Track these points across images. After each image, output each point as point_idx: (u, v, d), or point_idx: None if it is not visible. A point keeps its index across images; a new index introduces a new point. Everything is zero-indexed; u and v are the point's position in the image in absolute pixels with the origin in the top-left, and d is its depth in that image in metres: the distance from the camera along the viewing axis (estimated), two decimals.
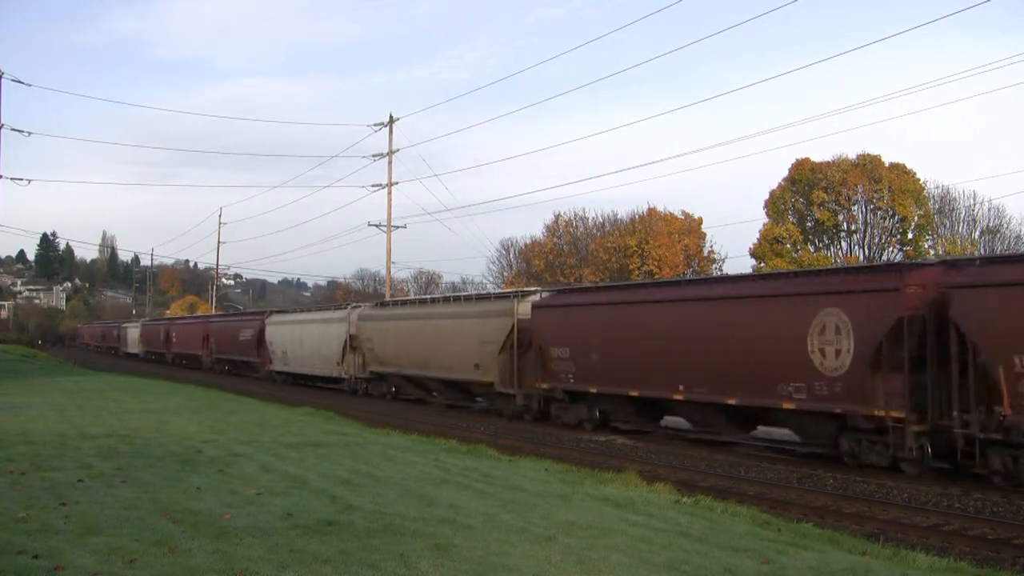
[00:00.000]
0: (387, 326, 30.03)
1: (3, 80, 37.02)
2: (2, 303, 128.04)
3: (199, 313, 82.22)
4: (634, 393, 19.03)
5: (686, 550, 7.43)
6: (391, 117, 42.94)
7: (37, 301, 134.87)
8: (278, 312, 43.95)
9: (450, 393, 27.67)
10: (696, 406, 17.94)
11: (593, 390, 20.39)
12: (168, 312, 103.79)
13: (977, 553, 9.83)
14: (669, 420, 20.48)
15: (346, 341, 32.59)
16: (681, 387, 17.66)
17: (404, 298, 36.94)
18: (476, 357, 24.24)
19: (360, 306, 34.22)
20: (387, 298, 45.07)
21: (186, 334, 57.48)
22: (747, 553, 7.50)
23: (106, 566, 6.06)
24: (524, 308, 23.11)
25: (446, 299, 29.35)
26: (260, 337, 42.36)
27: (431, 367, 27.06)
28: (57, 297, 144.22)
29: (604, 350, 19.93)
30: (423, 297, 32.54)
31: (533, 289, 26.49)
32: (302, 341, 37.05)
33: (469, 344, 24.60)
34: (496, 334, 23.63)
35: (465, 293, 33.08)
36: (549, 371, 21.65)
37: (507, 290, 33.37)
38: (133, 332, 72.69)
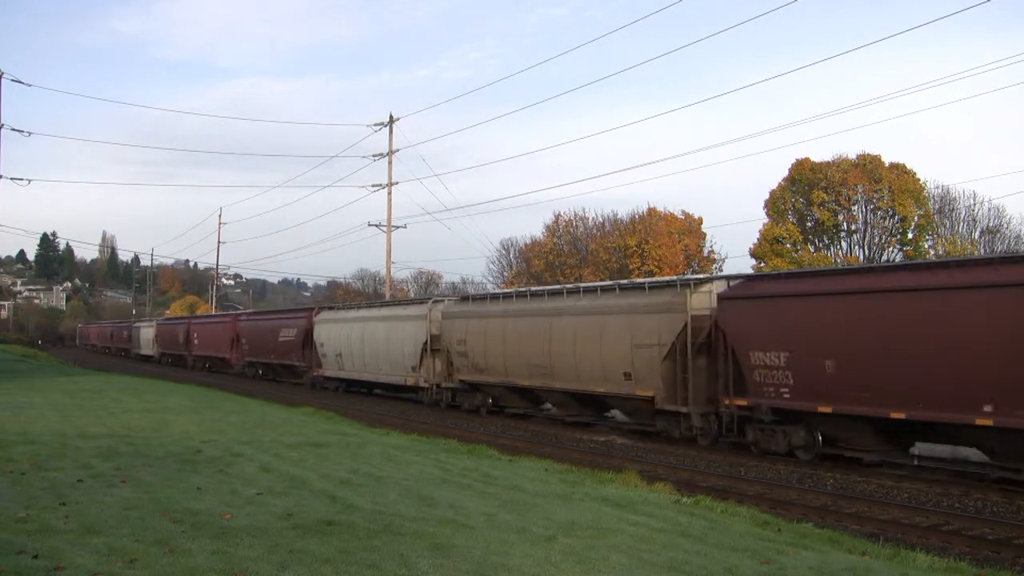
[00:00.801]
0: (485, 325, 24.61)
1: (3, 80, 36.99)
2: (2, 303, 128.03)
3: (209, 313, 77.70)
4: (898, 415, 13.96)
5: (686, 550, 7.43)
6: (391, 117, 42.96)
7: (37, 301, 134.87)
8: (330, 308, 37.96)
9: (575, 407, 22.48)
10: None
11: (823, 409, 15.15)
12: (168, 312, 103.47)
13: (977, 553, 9.83)
14: (938, 449, 16.04)
15: (425, 342, 27.22)
16: (989, 407, 12.62)
17: (509, 290, 28.90)
18: (625, 364, 19.37)
19: (444, 299, 28.60)
20: (448, 294, 42.63)
21: (211, 334, 51.37)
22: (747, 553, 7.50)
23: (106, 566, 6.06)
24: (700, 300, 18.28)
25: (575, 290, 22.38)
26: (306, 337, 36.84)
27: (554, 376, 21.65)
28: (57, 297, 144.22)
29: (848, 356, 14.75)
30: (538, 289, 25.17)
31: (707, 276, 22.09)
32: (364, 342, 31.38)
33: (616, 348, 19.66)
34: (658, 334, 18.60)
35: (605, 283, 25.45)
36: (750, 383, 16.55)
37: (671, 277, 26.77)
38: (147, 332, 67.52)
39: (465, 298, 27.81)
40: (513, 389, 24.01)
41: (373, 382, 31.98)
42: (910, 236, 46.40)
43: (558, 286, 25.53)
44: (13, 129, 40.51)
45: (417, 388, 28.24)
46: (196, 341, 54.03)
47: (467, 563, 6.52)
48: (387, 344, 29.65)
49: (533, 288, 26.97)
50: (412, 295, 66.78)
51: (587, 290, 21.89)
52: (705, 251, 53.93)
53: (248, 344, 44.29)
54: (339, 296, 75.92)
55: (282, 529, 7.40)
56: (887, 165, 46.31)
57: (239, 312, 54.01)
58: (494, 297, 26.20)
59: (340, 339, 33.48)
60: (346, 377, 33.44)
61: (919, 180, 46.18)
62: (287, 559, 6.39)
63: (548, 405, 24.13)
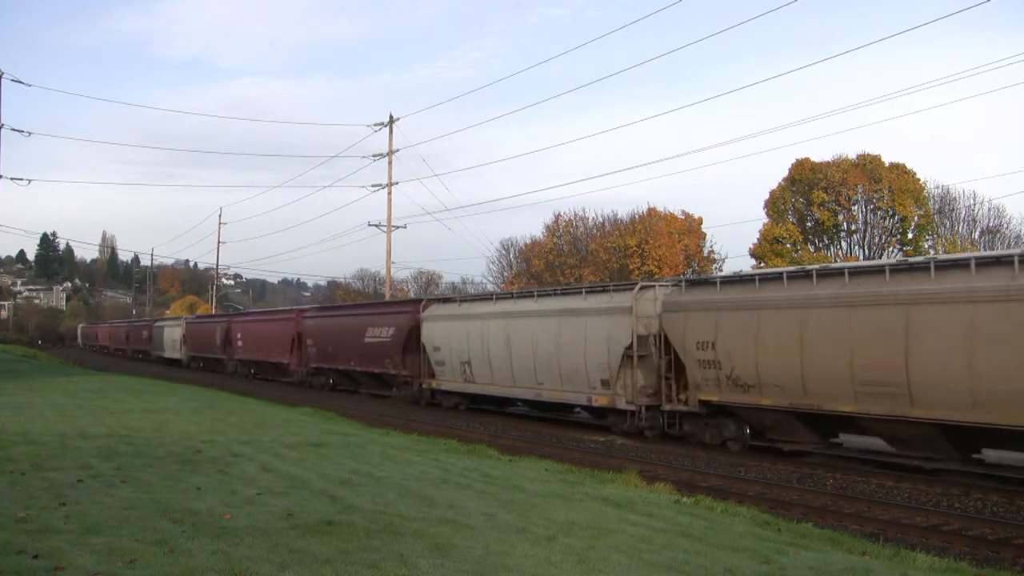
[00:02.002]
0: (758, 319, 16.20)
1: (3, 80, 37.01)
2: (2, 303, 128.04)
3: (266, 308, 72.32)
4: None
5: (686, 550, 7.43)
6: (391, 117, 42.99)
7: (37, 301, 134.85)
8: (446, 300, 28.88)
9: (925, 444, 14.38)
10: None
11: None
12: (168, 312, 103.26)
13: (977, 553, 9.82)
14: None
15: (631, 345, 19.06)
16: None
17: (806, 267, 16.80)
18: None
19: (655, 284, 19.89)
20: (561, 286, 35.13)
21: (262, 335, 42.67)
22: (747, 553, 7.50)
23: (106, 566, 6.06)
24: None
25: (922, 265, 14.08)
26: (408, 338, 28.32)
27: (913, 403, 13.67)
28: (57, 297, 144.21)
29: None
30: (846, 266, 15.67)
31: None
32: (510, 345, 23.13)
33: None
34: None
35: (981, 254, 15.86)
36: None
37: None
38: (172, 332, 59.11)
39: (701, 282, 18.57)
40: (794, 415, 16.06)
41: (529, 400, 23.69)
42: (910, 236, 46.40)
43: (892, 261, 15.28)
44: (13, 129, 40.60)
45: (610, 411, 20.15)
46: (240, 343, 45.43)
47: (467, 563, 6.52)
48: (555, 348, 21.35)
49: (837, 266, 16.11)
50: (412, 295, 66.42)
51: (939, 264, 13.81)
52: (705, 251, 53.95)
53: (316, 347, 35.77)
54: (339, 296, 75.64)
55: (282, 529, 7.40)
56: (887, 165, 46.31)
57: (304, 307, 42.66)
58: (769, 279, 16.54)
59: (467, 341, 24.92)
60: (478, 392, 25.23)
61: (919, 180, 46.20)
62: (287, 559, 6.39)
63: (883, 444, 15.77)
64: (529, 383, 22.61)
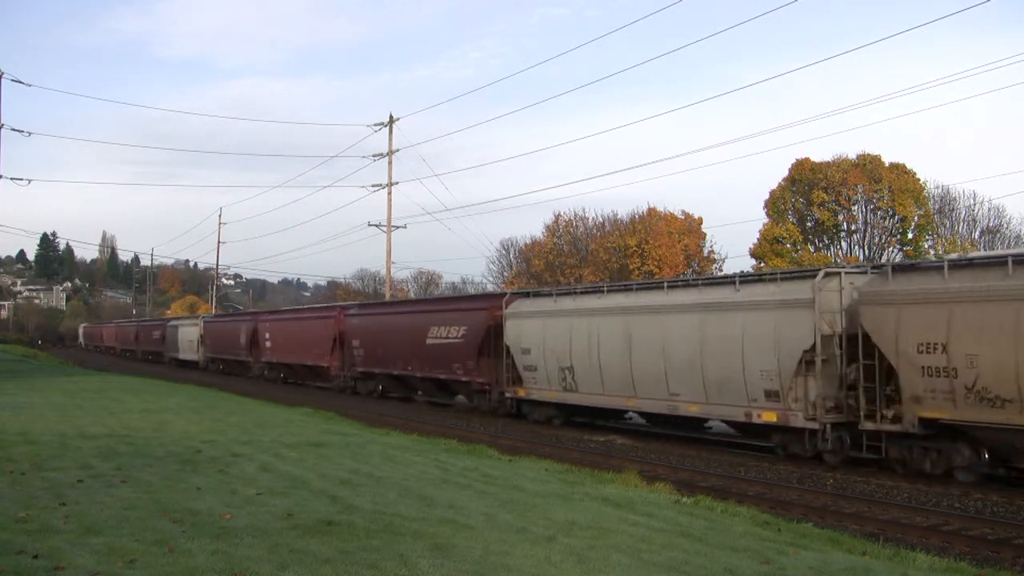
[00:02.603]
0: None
1: (3, 80, 37.01)
2: (2, 303, 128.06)
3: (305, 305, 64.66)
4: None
5: (686, 550, 7.43)
6: (391, 117, 43.01)
7: (37, 301, 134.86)
8: (534, 294, 24.07)
9: None
10: None
11: None
12: (169, 312, 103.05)
13: (977, 553, 9.83)
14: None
15: (812, 347, 15.20)
16: None
17: None
18: None
19: (855, 271, 16.01)
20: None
21: (297, 335, 38.15)
22: (747, 553, 7.50)
23: (106, 566, 6.06)
24: None
25: None
26: (486, 339, 24.47)
27: None
28: (57, 297, 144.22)
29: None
30: None
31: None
32: (631, 346, 19.00)
33: None
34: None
35: None
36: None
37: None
38: (188, 332, 55.02)
39: (918, 267, 14.84)
40: None
41: (655, 414, 19.55)
42: (910, 236, 46.41)
43: None
44: (13, 129, 40.60)
45: (777, 429, 16.23)
46: (268, 343, 40.92)
47: (467, 563, 6.52)
48: (697, 351, 17.32)
49: None
50: (412, 295, 66.36)
51: None
52: (705, 251, 53.96)
53: (364, 348, 31.56)
54: (339, 296, 75.48)
55: (282, 529, 7.40)
56: (887, 165, 46.30)
57: (348, 304, 38.34)
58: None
59: (568, 342, 20.95)
60: (581, 403, 21.12)
61: (919, 180, 46.20)
62: (287, 559, 6.39)
63: None
64: (656, 393, 18.41)
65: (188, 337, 54.62)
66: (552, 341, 21.62)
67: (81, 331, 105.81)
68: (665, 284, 19.44)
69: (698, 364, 17.37)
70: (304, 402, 27.79)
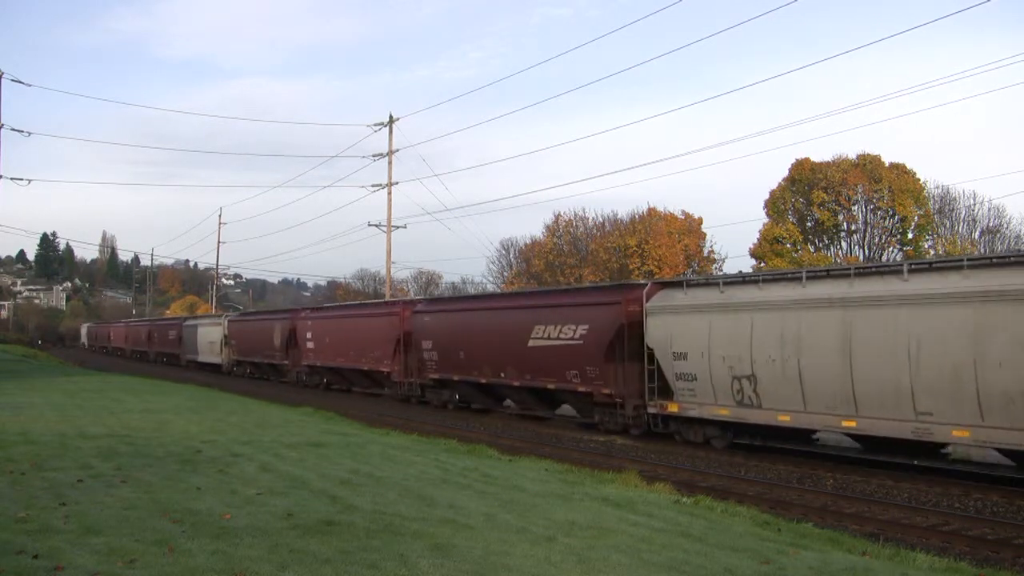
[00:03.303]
0: None
1: (3, 80, 36.99)
2: (2, 303, 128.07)
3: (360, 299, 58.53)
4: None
5: (686, 550, 7.43)
6: (391, 117, 42.98)
7: (37, 301, 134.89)
8: (689, 284, 18.85)
9: None
10: None
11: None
12: (168, 312, 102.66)
13: (977, 553, 9.83)
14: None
15: None
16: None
17: None
18: None
19: None
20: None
21: (346, 335, 32.94)
22: (747, 553, 7.50)
23: (106, 566, 6.06)
24: None
25: None
26: (614, 341, 19.81)
27: None
28: (57, 297, 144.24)
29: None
30: None
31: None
32: (850, 349, 14.79)
33: None
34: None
35: None
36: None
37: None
38: (209, 333, 50.31)
39: None
40: None
41: (875, 437, 14.99)
42: (910, 236, 46.42)
43: None
44: (13, 129, 40.54)
45: None
46: (310, 345, 36.17)
47: (467, 563, 6.52)
48: (970, 356, 13.15)
49: None
50: (412, 295, 66.32)
51: None
52: (705, 251, 53.98)
53: (438, 351, 26.63)
54: (339, 296, 75.46)
55: (282, 529, 7.40)
56: (887, 165, 46.31)
57: (415, 300, 33.86)
58: None
59: (746, 346, 16.57)
60: (764, 422, 16.48)
61: (919, 180, 46.20)
62: (287, 559, 6.39)
63: None
64: (893, 411, 14.11)
65: (209, 338, 50.07)
66: (721, 343, 17.10)
67: (84, 331, 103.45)
68: (905, 267, 14.55)
69: (970, 374, 12.99)
70: (304, 401, 27.78)
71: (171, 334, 59.66)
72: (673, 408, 18.26)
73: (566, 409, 23.78)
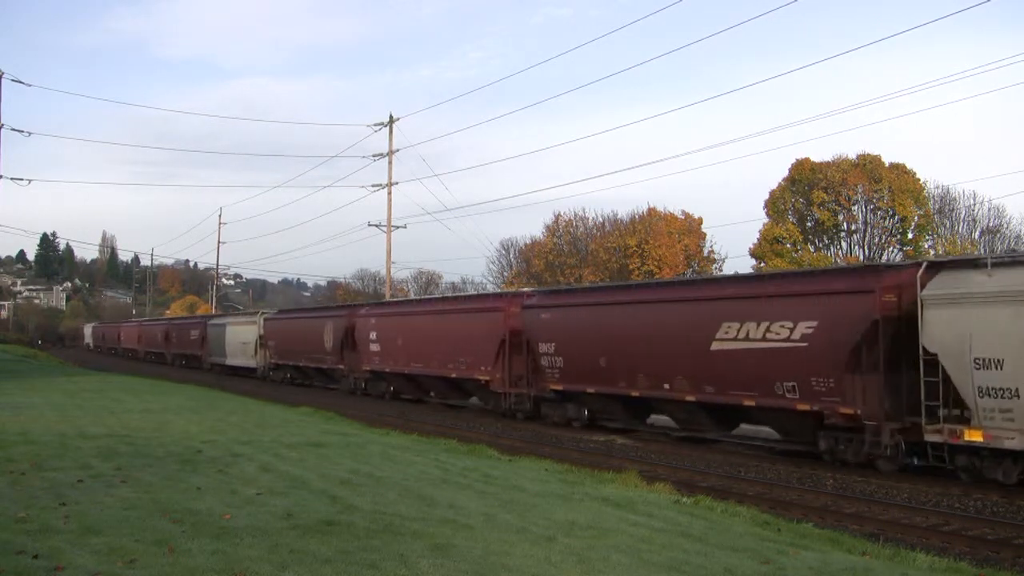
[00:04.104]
0: None
1: (3, 80, 37.01)
2: (2, 303, 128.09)
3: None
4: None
5: (686, 550, 7.43)
6: (391, 117, 43.00)
7: (37, 301, 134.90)
8: (977, 263, 13.97)
9: None
10: None
11: None
12: (168, 312, 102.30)
13: (977, 553, 9.83)
14: None
15: None
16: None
17: None
18: None
19: None
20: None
21: (430, 334, 27.38)
22: (747, 553, 7.50)
23: (106, 566, 6.06)
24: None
25: None
26: (864, 341, 14.81)
27: None
28: (57, 297, 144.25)
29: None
30: None
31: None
32: None
33: None
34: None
35: None
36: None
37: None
38: (241, 333, 45.07)
39: None
40: None
41: None
42: (910, 236, 46.43)
43: None
44: (13, 129, 40.55)
45: None
46: (375, 347, 30.61)
47: (467, 563, 6.52)
48: None
49: None
50: (412, 295, 66.34)
51: None
52: (705, 251, 54.01)
53: (563, 356, 21.41)
54: (339, 296, 75.43)
55: (282, 529, 7.40)
56: (887, 165, 46.33)
57: (524, 292, 25.67)
58: None
59: None
60: None
61: (919, 180, 46.23)
62: (287, 559, 6.39)
63: None
64: None
65: (240, 338, 44.73)
66: None
67: (89, 331, 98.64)
68: None
69: None
70: (304, 401, 27.77)
71: (193, 334, 54.46)
72: (974, 436, 13.19)
73: (747, 430, 19.41)
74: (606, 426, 21.72)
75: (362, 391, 32.31)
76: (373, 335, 31.01)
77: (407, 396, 30.69)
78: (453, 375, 26.17)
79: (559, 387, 21.74)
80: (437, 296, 32.08)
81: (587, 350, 20.62)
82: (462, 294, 35.74)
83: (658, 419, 21.04)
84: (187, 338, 55.79)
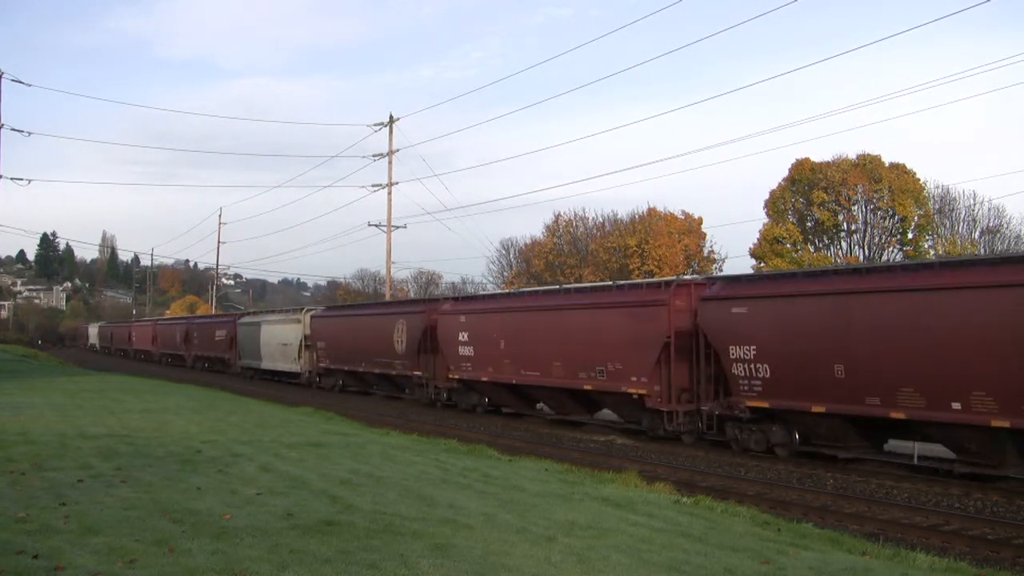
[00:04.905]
0: None
1: (3, 80, 37.00)
2: (2, 303, 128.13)
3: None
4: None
5: (686, 550, 7.43)
6: (391, 117, 42.99)
7: (37, 301, 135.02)
8: None
9: None
10: None
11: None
12: (168, 312, 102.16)
13: (977, 553, 9.84)
14: None
15: None
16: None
17: None
18: None
19: None
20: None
21: (543, 337, 22.07)
22: (747, 553, 7.50)
23: (106, 566, 6.05)
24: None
25: None
26: None
27: None
28: (57, 297, 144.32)
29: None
30: None
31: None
32: None
33: None
34: None
35: None
36: None
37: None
38: (280, 333, 39.79)
39: None
40: None
41: None
42: (910, 236, 46.43)
43: None
44: (13, 129, 40.54)
45: None
46: (466, 350, 25.05)
47: (467, 563, 6.52)
48: None
49: None
50: (412, 295, 66.29)
51: None
52: (705, 251, 54.01)
53: (770, 362, 16.24)
54: (339, 296, 75.50)
55: (282, 529, 7.40)
56: (887, 165, 46.32)
57: (696, 279, 20.26)
58: None
59: None
60: None
61: (919, 180, 46.21)
62: (287, 559, 6.39)
63: None
64: None
65: (280, 339, 39.57)
66: None
67: (95, 332, 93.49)
68: None
69: None
70: (304, 401, 27.77)
71: (219, 335, 48.93)
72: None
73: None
74: (820, 453, 16.29)
75: (443, 402, 27.10)
76: (463, 336, 25.25)
77: (509, 410, 25.58)
78: (587, 387, 20.50)
79: (761, 402, 16.36)
80: (558, 286, 24.76)
81: (814, 357, 15.38)
82: (602, 283, 24.87)
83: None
84: (211, 339, 50.75)
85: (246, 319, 46.38)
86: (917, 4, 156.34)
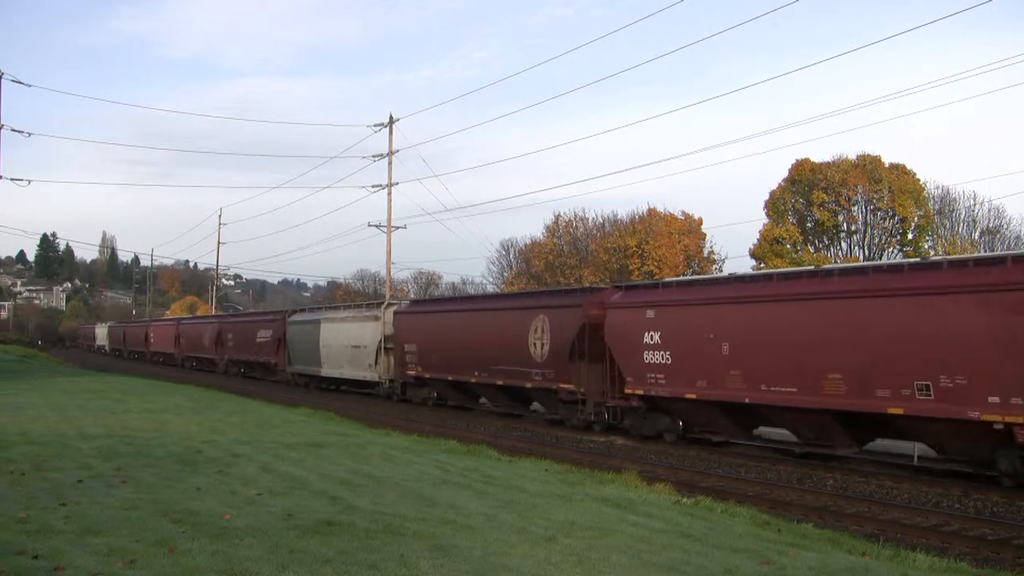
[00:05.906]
0: None
1: (3, 80, 36.95)
2: (2, 303, 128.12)
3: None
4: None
5: (686, 550, 7.43)
6: (391, 117, 42.97)
7: (37, 301, 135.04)
8: None
9: None
10: None
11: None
12: (168, 313, 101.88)
13: (977, 553, 9.84)
14: None
15: None
16: None
17: None
18: None
19: None
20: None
21: (786, 332, 15.48)
22: (747, 553, 7.50)
23: (106, 566, 6.05)
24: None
25: None
26: None
27: None
28: (57, 297, 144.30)
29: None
30: None
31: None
32: None
33: None
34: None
35: None
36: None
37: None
38: (347, 333, 33.12)
39: None
40: None
41: None
42: (910, 237, 46.41)
43: None
44: (13, 129, 40.37)
45: None
46: (660, 357, 18.36)
47: (467, 563, 6.52)
48: None
49: None
50: (412, 295, 66.30)
51: None
52: (705, 251, 53.98)
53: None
54: (339, 296, 75.45)
55: (282, 529, 7.40)
56: (887, 165, 46.30)
57: (978, 257, 14.46)
58: None
59: None
60: None
61: (919, 180, 46.19)
62: (287, 559, 6.39)
63: None
64: None
65: (348, 339, 32.88)
66: None
67: (104, 332, 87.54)
68: None
69: None
70: (304, 402, 27.76)
71: (262, 335, 41.24)
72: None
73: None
74: None
75: (608, 424, 20.61)
76: (651, 337, 18.71)
77: (720, 438, 18.54)
78: (888, 409, 13.82)
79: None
80: (814, 267, 18.40)
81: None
82: (882, 263, 19.73)
83: None
84: (251, 340, 42.78)
85: (299, 317, 39.05)
86: (917, 4, 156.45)
